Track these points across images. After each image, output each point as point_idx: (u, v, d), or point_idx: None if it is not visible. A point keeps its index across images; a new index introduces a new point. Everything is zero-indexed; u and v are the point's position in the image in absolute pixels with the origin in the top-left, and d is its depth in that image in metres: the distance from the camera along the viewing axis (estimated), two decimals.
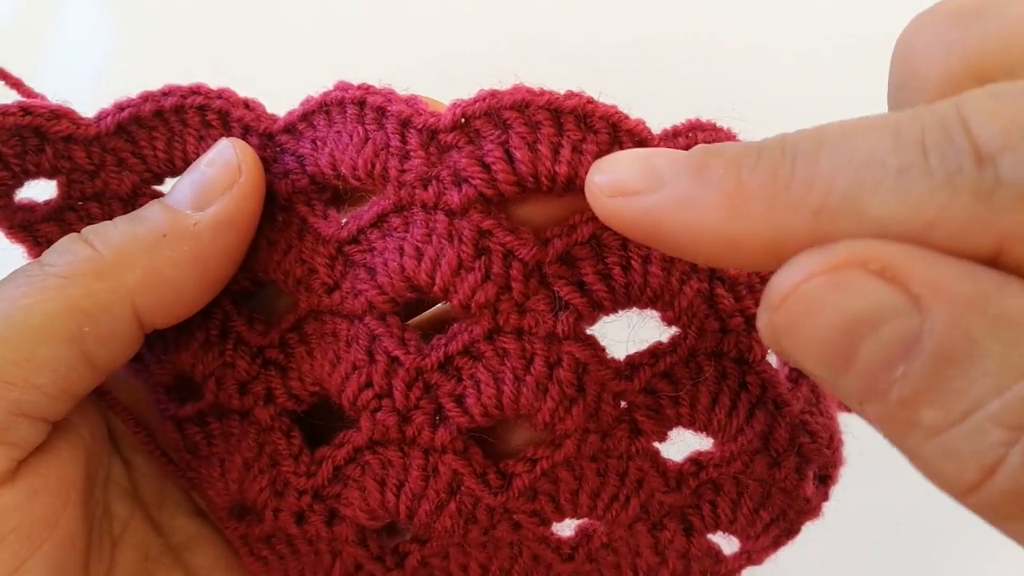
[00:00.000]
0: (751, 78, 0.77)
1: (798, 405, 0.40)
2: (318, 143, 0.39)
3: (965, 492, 0.24)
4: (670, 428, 0.40)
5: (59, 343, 0.36)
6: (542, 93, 0.36)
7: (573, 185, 0.36)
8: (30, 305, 0.36)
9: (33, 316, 0.36)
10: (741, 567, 0.43)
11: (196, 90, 0.41)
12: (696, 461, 0.41)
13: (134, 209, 0.41)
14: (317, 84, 0.40)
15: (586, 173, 0.35)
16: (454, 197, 0.37)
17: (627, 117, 0.36)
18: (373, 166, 0.38)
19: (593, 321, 0.39)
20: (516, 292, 0.38)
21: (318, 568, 0.44)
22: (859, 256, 0.24)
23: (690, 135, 0.37)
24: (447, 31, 0.79)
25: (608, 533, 0.42)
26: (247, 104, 0.42)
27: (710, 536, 0.43)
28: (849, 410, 0.41)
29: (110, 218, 0.41)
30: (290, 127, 0.40)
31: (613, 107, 0.36)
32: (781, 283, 0.26)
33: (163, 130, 0.41)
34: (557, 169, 0.36)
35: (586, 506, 0.41)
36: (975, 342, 0.23)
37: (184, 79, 0.42)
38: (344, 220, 0.41)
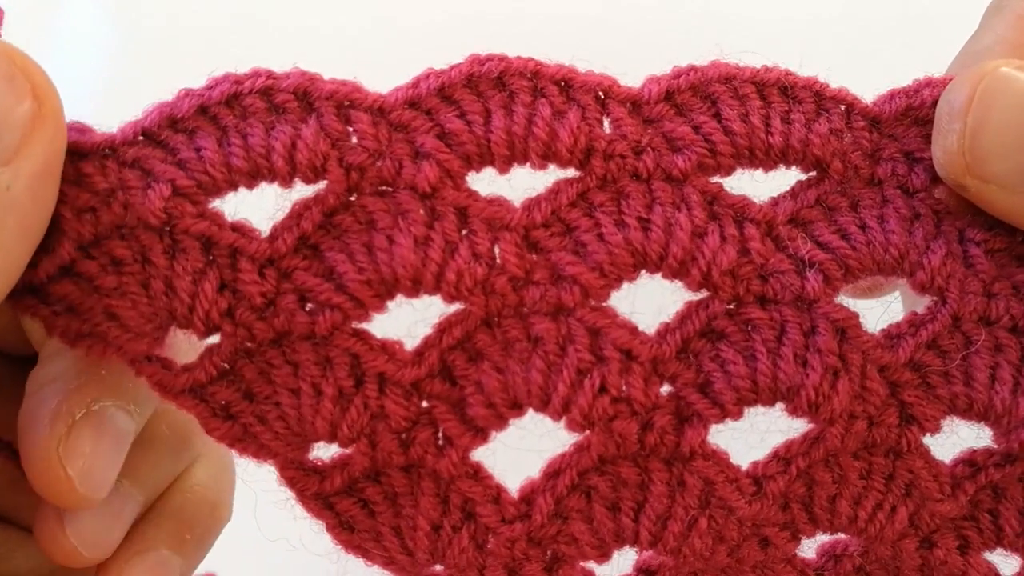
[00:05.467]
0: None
1: None
2: (471, 118, 0.34)
3: None
4: (943, 415, 0.36)
5: None
6: (743, 68, 0.36)
7: (785, 156, 0.35)
8: None
9: None
10: None
11: (255, 73, 0.34)
12: (971, 462, 0.37)
13: (173, 240, 0.32)
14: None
15: (797, 142, 0.35)
16: (677, 163, 0.34)
17: (828, 85, 0.36)
18: (576, 140, 0.34)
19: (837, 289, 0.35)
20: (755, 254, 0.34)
21: None
22: (1001, 63, 0.34)
23: (914, 95, 0.36)
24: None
25: (862, 554, 0.37)
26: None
27: (988, 554, 0.37)
28: None
29: (143, 260, 0.32)
30: (415, 102, 0.34)
31: (813, 77, 0.36)
32: (958, 97, 0.34)
33: (211, 129, 0.33)
34: (771, 140, 0.35)
35: (845, 516, 0.36)
36: None
37: (184, 80, 0.35)
38: (521, 201, 0.35)
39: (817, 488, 0.36)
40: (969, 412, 0.35)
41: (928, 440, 0.36)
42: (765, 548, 0.36)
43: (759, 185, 0.37)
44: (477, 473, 0.35)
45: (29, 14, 0.78)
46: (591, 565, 0.36)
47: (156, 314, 0.32)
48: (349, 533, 0.35)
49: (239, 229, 0.33)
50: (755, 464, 0.36)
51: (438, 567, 0.36)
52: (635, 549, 0.36)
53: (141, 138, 0.33)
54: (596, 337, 0.34)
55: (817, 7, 0.83)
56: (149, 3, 0.79)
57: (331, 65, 0.36)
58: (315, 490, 0.34)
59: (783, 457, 0.35)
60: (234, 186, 0.33)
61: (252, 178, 0.33)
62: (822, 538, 0.38)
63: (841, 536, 0.38)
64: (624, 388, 0.34)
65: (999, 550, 0.37)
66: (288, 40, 0.79)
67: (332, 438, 0.34)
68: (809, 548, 0.38)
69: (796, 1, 0.82)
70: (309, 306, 0.33)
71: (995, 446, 0.37)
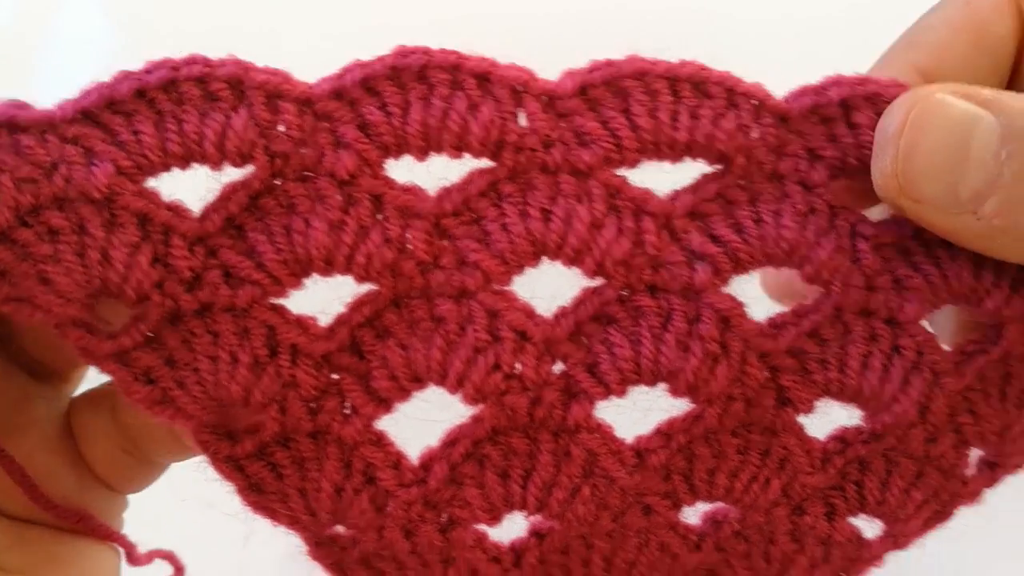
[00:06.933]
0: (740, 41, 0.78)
1: (962, 381, 0.37)
2: (391, 109, 0.36)
3: None
4: (818, 398, 0.38)
5: None
6: (657, 63, 0.37)
7: (690, 150, 0.37)
8: None
9: None
10: (885, 551, 0.40)
11: (192, 60, 0.35)
12: (841, 439, 0.39)
13: (112, 215, 0.35)
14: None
15: (702, 138, 0.36)
16: (583, 157, 0.36)
17: (742, 80, 0.37)
18: (488, 133, 0.36)
19: (726, 280, 0.37)
20: (649, 245, 0.36)
21: None
22: (936, 89, 0.35)
23: (821, 93, 0.37)
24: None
25: (741, 520, 0.39)
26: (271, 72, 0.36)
27: (852, 519, 0.40)
28: None
29: (79, 231, 0.34)
30: (340, 93, 0.36)
31: (727, 72, 0.37)
32: (892, 122, 0.35)
33: (148, 113, 0.35)
34: (676, 135, 0.36)
35: (723, 487, 0.38)
36: None
37: None
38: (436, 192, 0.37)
39: (697, 462, 0.38)
40: (841, 395, 0.38)
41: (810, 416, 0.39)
42: (648, 515, 0.39)
43: (678, 173, 0.38)
44: (380, 440, 0.37)
45: (29, 14, 0.81)
46: (484, 528, 0.39)
47: (89, 282, 0.35)
48: (258, 494, 0.37)
49: (173, 208, 0.36)
50: (639, 438, 0.38)
51: (340, 528, 0.38)
52: (524, 514, 0.38)
53: (80, 116, 0.35)
54: (494, 319, 0.36)
55: (811, 6, 0.83)
56: (149, 3, 0.81)
57: (331, 64, 0.38)
58: (227, 453, 0.37)
59: (665, 432, 0.38)
60: (168, 168, 0.36)
61: (185, 161, 0.36)
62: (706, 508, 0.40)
63: (722, 504, 0.40)
64: (517, 366, 0.36)
65: (863, 516, 0.40)
66: (288, 40, 0.80)
67: (245, 403, 0.36)
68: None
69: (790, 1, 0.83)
70: (232, 280, 0.36)
71: (864, 425, 0.39)
